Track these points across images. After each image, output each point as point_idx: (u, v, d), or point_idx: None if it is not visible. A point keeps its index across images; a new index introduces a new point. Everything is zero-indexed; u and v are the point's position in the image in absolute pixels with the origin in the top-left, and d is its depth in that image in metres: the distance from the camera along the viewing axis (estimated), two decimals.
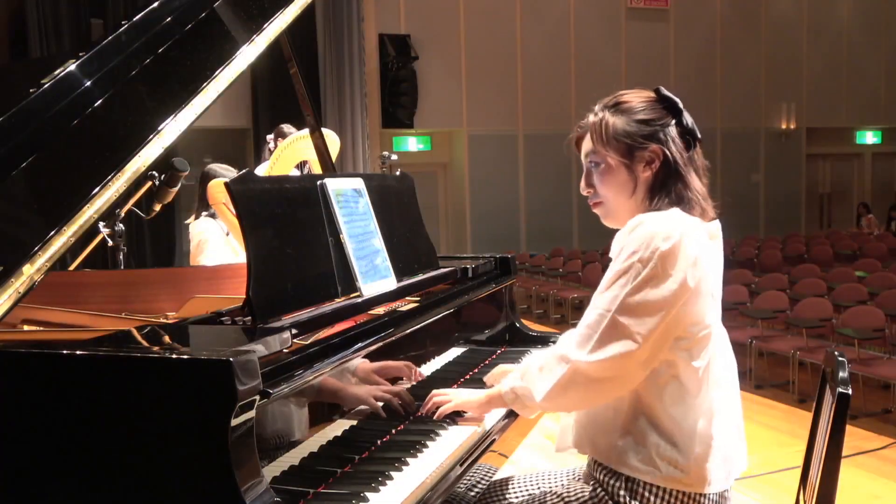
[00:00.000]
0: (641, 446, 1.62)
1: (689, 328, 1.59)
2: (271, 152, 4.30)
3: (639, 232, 1.58)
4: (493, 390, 1.83)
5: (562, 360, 1.62)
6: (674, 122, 1.70)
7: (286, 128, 4.36)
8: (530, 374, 1.70)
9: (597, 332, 1.58)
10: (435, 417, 1.89)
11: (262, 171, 4.04)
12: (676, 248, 1.55)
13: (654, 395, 1.61)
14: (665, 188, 1.67)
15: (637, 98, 1.72)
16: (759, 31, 14.91)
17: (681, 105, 1.71)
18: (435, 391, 1.95)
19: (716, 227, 1.70)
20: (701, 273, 1.58)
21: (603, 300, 1.59)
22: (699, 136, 1.72)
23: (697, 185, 1.69)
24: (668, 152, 1.67)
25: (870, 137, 16.79)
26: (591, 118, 1.74)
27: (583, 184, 1.78)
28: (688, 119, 1.71)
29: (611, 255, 1.67)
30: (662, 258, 1.54)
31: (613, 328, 1.56)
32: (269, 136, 4.36)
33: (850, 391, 1.67)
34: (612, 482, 1.65)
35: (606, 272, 1.64)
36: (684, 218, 1.62)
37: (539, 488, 1.88)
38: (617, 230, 1.72)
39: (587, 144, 1.75)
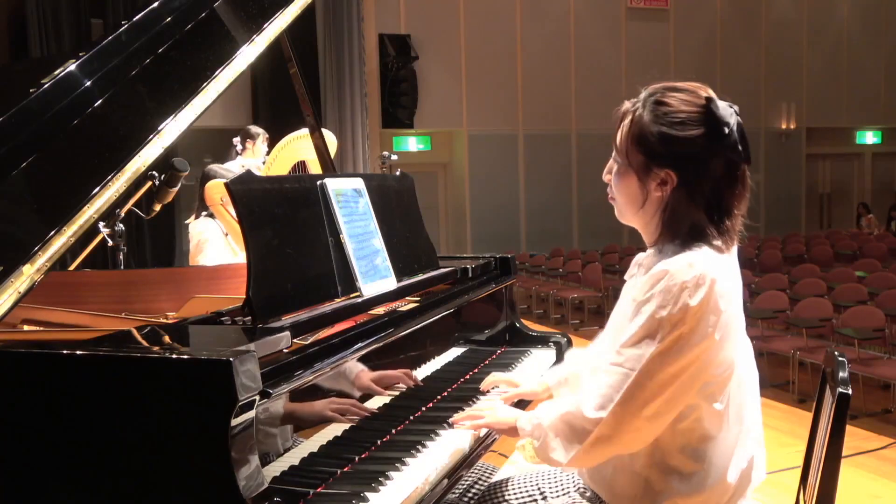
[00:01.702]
0: (661, 491, 1.57)
1: (710, 372, 1.52)
2: (238, 154, 4.32)
3: (666, 283, 1.47)
4: (521, 423, 1.70)
5: (582, 425, 1.54)
6: (710, 145, 1.52)
7: (253, 129, 4.37)
8: (548, 439, 1.60)
9: (619, 392, 1.50)
10: (458, 426, 1.87)
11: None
12: (706, 302, 1.46)
13: (673, 439, 1.55)
14: (676, 216, 1.54)
15: (682, 104, 1.54)
16: (759, 31, 14.91)
17: (727, 127, 1.51)
18: (476, 406, 1.93)
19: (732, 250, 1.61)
20: (728, 322, 1.50)
21: (625, 356, 1.51)
22: (744, 158, 1.53)
23: (723, 217, 1.54)
24: (683, 181, 1.53)
25: (870, 137, 16.78)
26: (628, 105, 1.59)
27: (605, 170, 1.65)
28: (730, 143, 1.51)
29: (633, 297, 1.55)
30: (693, 315, 1.45)
31: (638, 388, 1.49)
32: (236, 139, 4.36)
33: (850, 391, 1.66)
34: None
35: (627, 320, 1.54)
36: (711, 260, 1.50)
37: (540, 491, 1.87)
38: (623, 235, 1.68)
39: (617, 134, 1.61)
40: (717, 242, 1.53)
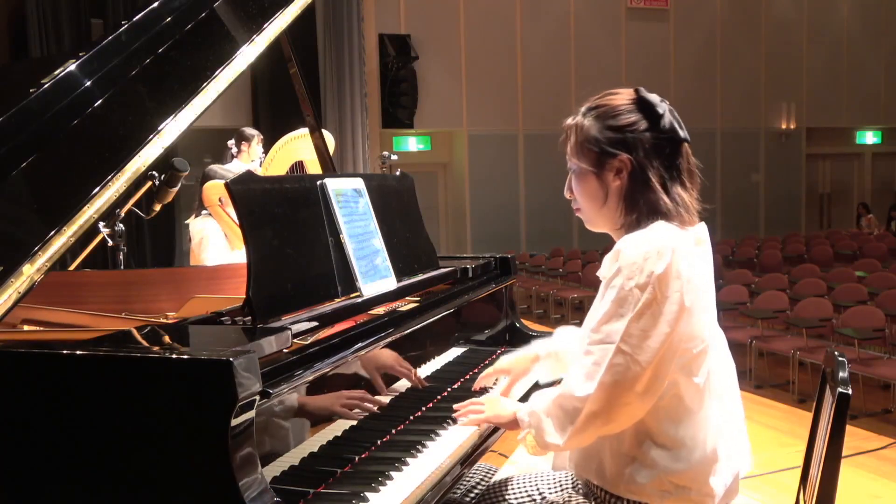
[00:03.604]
0: (649, 469, 1.59)
1: (685, 345, 1.57)
2: (234, 157, 4.32)
3: (629, 256, 1.55)
4: (520, 415, 1.73)
5: (572, 404, 1.58)
6: (649, 125, 1.64)
7: (247, 130, 4.37)
8: (543, 423, 1.64)
9: (602, 365, 1.54)
10: (462, 424, 1.88)
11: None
12: (670, 269, 1.52)
13: (656, 416, 1.59)
14: (635, 197, 1.63)
15: (618, 101, 1.67)
16: (759, 31, 14.91)
17: (660, 109, 1.64)
18: (474, 399, 1.93)
19: (702, 230, 1.67)
20: (695, 290, 1.56)
21: (604, 332, 1.56)
22: (682, 137, 1.65)
23: (678, 192, 1.63)
24: (635, 162, 1.62)
25: (870, 137, 16.78)
26: (569, 120, 1.72)
27: (566, 188, 1.76)
28: (667, 123, 1.64)
29: (600, 275, 1.63)
30: (659, 281, 1.52)
31: (619, 360, 1.53)
32: (230, 142, 4.36)
33: (850, 391, 1.67)
34: (614, 502, 1.65)
35: (601, 300, 1.60)
36: (670, 232, 1.58)
37: (539, 492, 1.87)
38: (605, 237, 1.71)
39: (566, 148, 1.73)
40: (675, 219, 1.62)
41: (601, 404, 1.55)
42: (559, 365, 2.02)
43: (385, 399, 1.92)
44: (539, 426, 1.65)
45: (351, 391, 1.79)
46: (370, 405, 1.84)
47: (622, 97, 1.68)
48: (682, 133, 1.66)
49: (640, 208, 1.63)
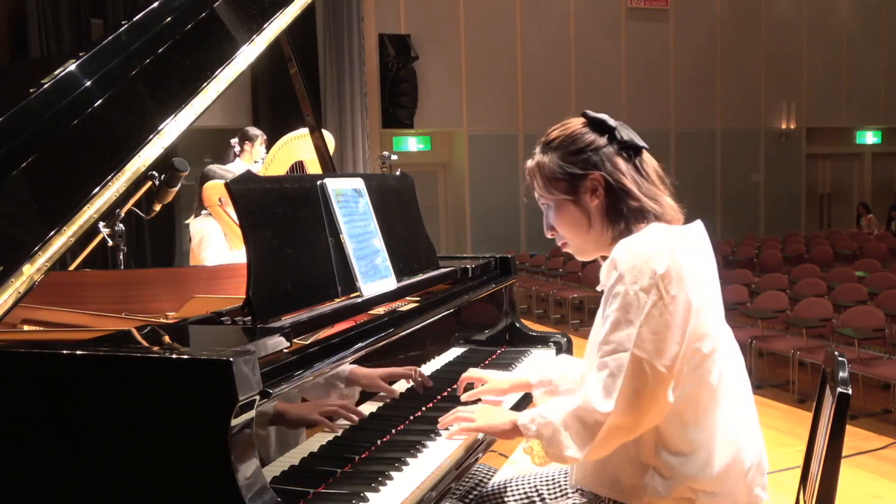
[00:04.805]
0: (668, 479, 1.57)
1: (695, 345, 1.55)
2: (237, 156, 4.32)
3: (628, 261, 1.53)
4: (523, 422, 1.68)
5: (593, 418, 1.53)
6: (607, 140, 1.66)
7: (251, 130, 4.38)
8: (560, 436, 1.58)
9: (619, 376, 1.51)
10: (449, 437, 1.82)
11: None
12: (672, 267, 1.51)
13: (671, 421, 1.56)
14: (617, 209, 1.64)
15: (570, 128, 1.70)
16: (759, 31, 14.90)
17: (611, 122, 1.68)
18: (460, 408, 1.86)
19: (698, 228, 1.67)
20: (698, 286, 1.55)
21: (615, 342, 1.52)
22: (640, 144, 1.68)
23: (655, 193, 1.65)
24: (607, 175, 1.64)
25: (870, 137, 16.77)
26: (529, 163, 1.74)
27: (545, 229, 1.76)
28: (622, 133, 1.67)
29: (601, 287, 1.62)
30: (663, 280, 1.50)
31: (637, 367, 1.50)
32: (234, 140, 4.35)
33: (850, 391, 1.66)
34: None
35: (605, 309, 1.57)
36: (665, 232, 1.59)
37: (539, 493, 1.87)
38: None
39: (535, 189, 1.74)
40: (663, 219, 1.63)
41: (624, 416, 1.52)
42: (553, 392, 1.97)
43: (385, 399, 1.92)
44: (555, 438, 1.59)
45: (352, 392, 1.79)
46: (369, 407, 1.84)
47: (573, 124, 1.71)
48: (640, 142, 1.69)
49: (625, 216, 1.64)
